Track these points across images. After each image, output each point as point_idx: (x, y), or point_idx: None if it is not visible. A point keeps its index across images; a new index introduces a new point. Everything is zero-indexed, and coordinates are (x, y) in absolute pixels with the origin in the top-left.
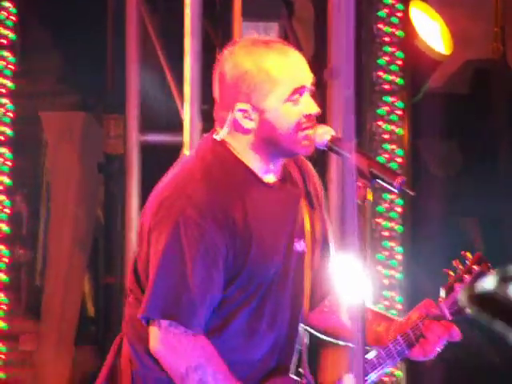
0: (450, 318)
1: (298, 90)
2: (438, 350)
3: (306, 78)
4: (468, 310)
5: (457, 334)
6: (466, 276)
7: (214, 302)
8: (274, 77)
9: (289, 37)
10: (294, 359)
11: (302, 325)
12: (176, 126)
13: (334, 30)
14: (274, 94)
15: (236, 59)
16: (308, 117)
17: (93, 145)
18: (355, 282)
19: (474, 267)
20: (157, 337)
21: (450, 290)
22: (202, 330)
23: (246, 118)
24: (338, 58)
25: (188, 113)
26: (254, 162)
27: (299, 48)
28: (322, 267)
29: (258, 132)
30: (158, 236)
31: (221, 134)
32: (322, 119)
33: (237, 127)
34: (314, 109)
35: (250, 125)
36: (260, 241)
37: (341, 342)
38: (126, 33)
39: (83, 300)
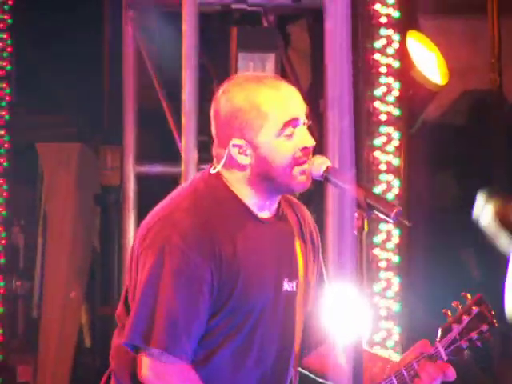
0: (446, 359)
1: (290, 123)
2: None
3: (298, 110)
4: (465, 353)
5: (452, 374)
6: (464, 317)
7: (201, 330)
8: (265, 112)
9: (285, 68)
10: None
11: (293, 366)
12: (172, 157)
13: (330, 61)
14: (266, 129)
15: (229, 96)
16: (304, 150)
17: (89, 176)
18: (352, 316)
19: (474, 308)
20: (146, 365)
21: (447, 331)
22: (189, 359)
23: (241, 153)
24: (334, 89)
25: (185, 144)
26: (249, 197)
27: (295, 79)
28: (317, 311)
29: (254, 167)
30: (143, 263)
31: (217, 168)
32: (318, 150)
33: (233, 163)
34: (309, 142)
35: (245, 160)
36: (248, 275)
37: None
38: (123, 64)
39: (80, 331)
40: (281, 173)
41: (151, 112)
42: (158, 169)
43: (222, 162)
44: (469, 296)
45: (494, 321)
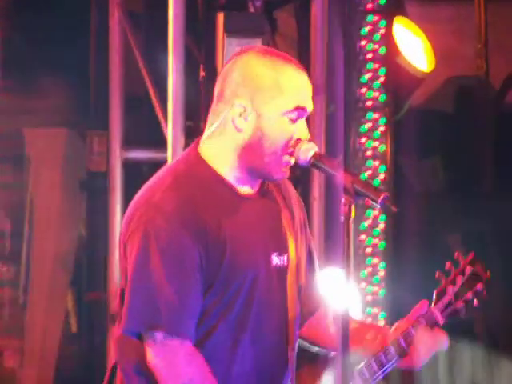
0: (442, 322)
1: (300, 109)
2: (426, 360)
3: (310, 104)
4: (461, 314)
5: (445, 344)
6: (458, 278)
7: (198, 307)
8: (283, 86)
9: None
10: (284, 371)
11: (291, 343)
12: (159, 143)
13: (316, 46)
14: (277, 102)
15: (252, 58)
16: (297, 141)
17: (76, 161)
18: (340, 293)
19: (467, 268)
20: (152, 351)
21: (442, 294)
22: (193, 337)
23: (241, 116)
24: (321, 74)
25: (171, 129)
26: (230, 170)
27: None
28: (308, 283)
29: (248, 136)
30: (130, 249)
31: (208, 130)
32: None
33: (226, 127)
34: (305, 135)
35: (243, 125)
36: (234, 249)
37: (330, 352)
38: (109, 49)
39: (66, 316)
40: (271, 152)
41: (138, 97)
42: (144, 154)
43: (216, 124)
44: (462, 257)
45: (489, 278)
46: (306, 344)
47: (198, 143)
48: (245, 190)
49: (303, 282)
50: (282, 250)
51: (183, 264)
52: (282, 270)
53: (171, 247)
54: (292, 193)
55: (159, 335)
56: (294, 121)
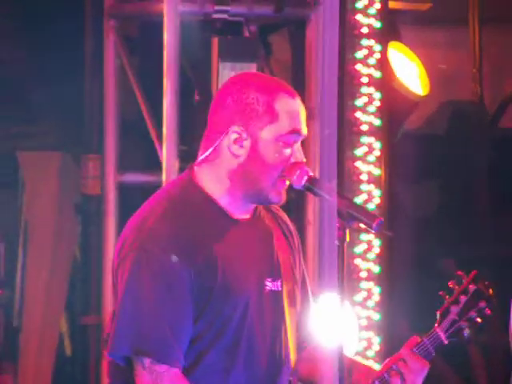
0: (447, 342)
1: (295, 133)
2: None
3: (304, 127)
4: (464, 333)
5: (425, 370)
6: (461, 297)
7: (188, 333)
8: (278, 111)
9: None
10: None
11: (289, 368)
12: (154, 167)
13: (311, 70)
14: (273, 127)
15: (245, 85)
16: (293, 164)
17: (70, 185)
18: (334, 325)
19: (470, 286)
20: (140, 376)
21: (445, 313)
22: (181, 363)
23: (236, 142)
24: (316, 99)
25: (166, 153)
26: (224, 196)
27: None
28: (301, 313)
29: (244, 161)
30: (121, 274)
31: (202, 156)
32: None
33: (221, 153)
34: (301, 158)
35: (239, 151)
36: (226, 274)
37: None
38: (104, 73)
39: (60, 340)
40: (268, 176)
41: (132, 121)
42: (139, 178)
43: (211, 149)
44: (465, 275)
45: (492, 295)
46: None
47: (192, 169)
48: (238, 215)
49: (298, 307)
50: (276, 275)
51: (173, 290)
52: (276, 295)
53: (162, 273)
54: (285, 219)
55: (147, 361)
56: (289, 144)
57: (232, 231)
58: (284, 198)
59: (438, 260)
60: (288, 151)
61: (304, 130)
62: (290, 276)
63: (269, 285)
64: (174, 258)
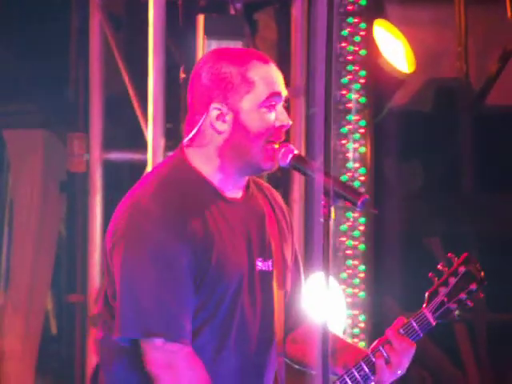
0: (434, 323)
1: (274, 96)
2: (400, 373)
3: (282, 87)
4: (454, 315)
5: (412, 352)
6: (451, 278)
7: (192, 311)
8: (253, 79)
9: None
10: (270, 378)
11: (278, 350)
12: (139, 144)
13: (296, 48)
14: (251, 95)
15: (216, 60)
16: (280, 128)
17: (56, 163)
18: (322, 302)
19: (461, 268)
20: (152, 357)
21: (434, 295)
22: (190, 340)
23: (219, 118)
24: (300, 77)
25: (151, 131)
26: (215, 173)
27: None
28: (293, 293)
29: (230, 136)
30: (118, 255)
31: (188, 137)
32: (285, 137)
33: (206, 132)
34: (286, 120)
35: (222, 127)
36: (221, 252)
37: (310, 370)
38: (90, 51)
39: (46, 318)
40: (255, 144)
41: (118, 99)
42: (124, 156)
43: (195, 130)
44: (455, 257)
45: (484, 278)
46: (287, 360)
47: (182, 149)
48: (231, 194)
49: (289, 289)
50: (267, 255)
51: (174, 268)
52: (266, 275)
53: (160, 252)
54: (278, 199)
55: (158, 341)
56: (271, 109)
57: (225, 210)
58: (275, 164)
59: (423, 237)
60: (271, 116)
61: (283, 91)
62: (280, 257)
63: (260, 264)
64: (172, 237)
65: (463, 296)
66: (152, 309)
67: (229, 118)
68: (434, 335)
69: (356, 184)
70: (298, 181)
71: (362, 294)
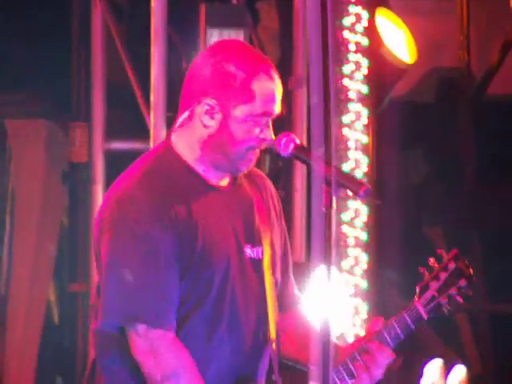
0: (426, 317)
1: (267, 115)
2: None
3: (277, 108)
4: (444, 310)
5: (390, 359)
6: (441, 273)
7: (176, 297)
8: (254, 93)
9: (254, 45)
10: (264, 366)
11: (272, 338)
12: (141, 134)
13: (298, 38)
14: (246, 107)
15: (225, 57)
16: (262, 141)
17: (58, 153)
18: (324, 295)
19: (451, 264)
20: (135, 343)
21: (425, 289)
22: (174, 326)
23: (207, 113)
24: (303, 66)
25: (153, 120)
26: (199, 163)
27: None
28: (281, 279)
29: (215, 133)
30: (105, 243)
31: (178, 122)
32: (287, 127)
33: (193, 121)
34: (270, 137)
35: (209, 122)
36: (206, 238)
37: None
38: (91, 40)
39: (48, 308)
40: (237, 149)
41: (120, 89)
42: (126, 145)
43: (184, 117)
44: (444, 253)
45: (472, 275)
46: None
47: (169, 136)
48: (216, 181)
49: (279, 277)
50: (256, 242)
51: (158, 254)
52: (257, 263)
53: (145, 239)
54: (268, 185)
55: (141, 327)
56: (259, 125)
57: (211, 198)
58: (251, 165)
59: (425, 227)
60: (257, 129)
61: (276, 111)
62: (270, 243)
63: (248, 252)
64: (157, 225)
65: (453, 291)
66: (134, 295)
67: (217, 116)
68: (435, 325)
69: (358, 174)
70: (299, 170)
71: (364, 283)
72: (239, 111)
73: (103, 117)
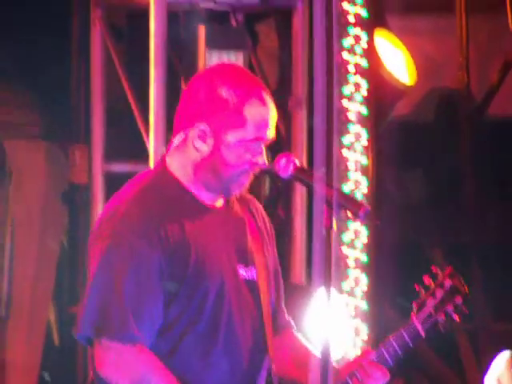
0: (423, 334)
1: (259, 140)
2: None
3: (270, 133)
4: (440, 327)
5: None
6: (438, 291)
7: (155, 315)
8: (246, 118)
9: (253, 66)
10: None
11: (269, 355)
12: (141, 156)
13: (298, 59)
14: (238, 132)
15: (219, 83)
16: (255, 165)
17: (57, 174)
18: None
19: (447, 281)
20: (99, 357)
21: (422, 306)
22: (142, 342)
23: (200, 138)
24: (302, 87)
25: (153, 142)
26: (193, 184)
27: (264, 77)
28: (276, 301)
29: (207, 157)
30: (92, 257)
31: (173, 143)
32: (286, 148)
33: (189, 143)
34: (262, 161)
35: (202, 147)
36: (199, 257)
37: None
38: (91, 61)
39: (48, 329)
40: (229, 173)
41: (119, 110)
42: (126, 167)
43: (177, 141)
44: (439, 271)
45: (467, 292)
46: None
47: (164, 157)
48: (209, 202)
49: (273, 298)
50: (249, 262)
51: (142, 273)
52: (252, 283)
53: (131, 256)
54: (259, 209)
55: (105, 340)
56: (250, 150)
57: (204, 217)
58: (244, 188)
59: (425, 248)
60: (249, 153)
61: (269, 136)
62: (264, 264)
63: (242, 272)
64: (145, 242)
65: (450, 308)
66: (107, 310)
67: (210, 141)
68: (436, 345)
69: (358, 195)
70: (299, 191)
71: (364, 304)
72: (231, 137)
73: (103, 138)
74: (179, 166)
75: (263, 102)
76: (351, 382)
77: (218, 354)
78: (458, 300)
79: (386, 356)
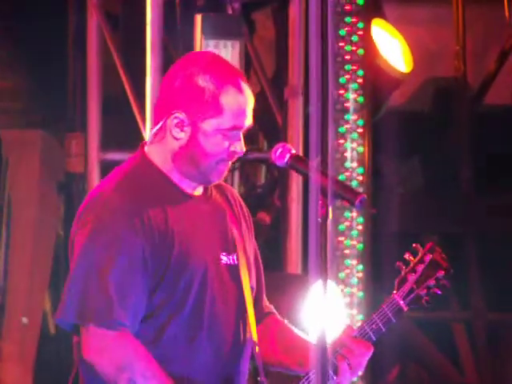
0: (406, 309)
1: (236, 129)
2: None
3: (247, 121)
4: (423, 302)
5: (370, 351)
6: (418, 266)
7: (139, 302)
8: (222, 107)
9: (250, 55)
10: (244, 368)
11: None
12: (137, 144)
13: (294, 47)
14: (215, 120)
15: (194, 72)
16: (233, 153)
17: (53, 163)
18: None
19: (427, 256)
20: (85, 342)
21: (403, 282)
22: (127, 328)
23: (177, 126)
24: (298, 76)
25: (149, 130)
26: (173, 172)
27: (260, 66)
28: (255, 287)
29: (184, 146)
30: (76, 243)
31: (152, 131)
32: (283, 137)
33: (164, 134)
34: (241, 149)
35: (179, 135)
36: (182, 244)
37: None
38: (87, 50)
39: (44, 318)
40: (207, 161)
41: (115, 99)
42: (122, 156)
43: (155, 129)
44: (420, 246)
45: (449, 266)
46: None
47: (143, 145)
48: (191, 190)
49: (253, 283)
50: (231, 249)
51: (123, 259)
52: (233, 269)
53: (113, 243)
54: (236, 197)
55: (90, 326)
56: (228, 138)
57: (186, 205)
58: (223, 176)
59: (421, 237)
60: (227, 142)
61: (247, 124)
62: (244, 251)
63: (224, 259)
64: (128, 228)
65: (431, 283)
66: (90, 296)
67: (187, 129)
68: (432, 335)
69: (354, 183)
70: (295, 180)
71: (360, 293)
72: (208, 125)
73: (99, 127)
74: (159, 155)
75: (240, 90)
76: (336, 360)
77: (203, 338)
78: (440, 273)
79: (369, 332)
